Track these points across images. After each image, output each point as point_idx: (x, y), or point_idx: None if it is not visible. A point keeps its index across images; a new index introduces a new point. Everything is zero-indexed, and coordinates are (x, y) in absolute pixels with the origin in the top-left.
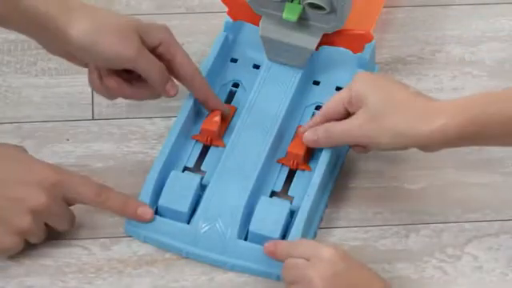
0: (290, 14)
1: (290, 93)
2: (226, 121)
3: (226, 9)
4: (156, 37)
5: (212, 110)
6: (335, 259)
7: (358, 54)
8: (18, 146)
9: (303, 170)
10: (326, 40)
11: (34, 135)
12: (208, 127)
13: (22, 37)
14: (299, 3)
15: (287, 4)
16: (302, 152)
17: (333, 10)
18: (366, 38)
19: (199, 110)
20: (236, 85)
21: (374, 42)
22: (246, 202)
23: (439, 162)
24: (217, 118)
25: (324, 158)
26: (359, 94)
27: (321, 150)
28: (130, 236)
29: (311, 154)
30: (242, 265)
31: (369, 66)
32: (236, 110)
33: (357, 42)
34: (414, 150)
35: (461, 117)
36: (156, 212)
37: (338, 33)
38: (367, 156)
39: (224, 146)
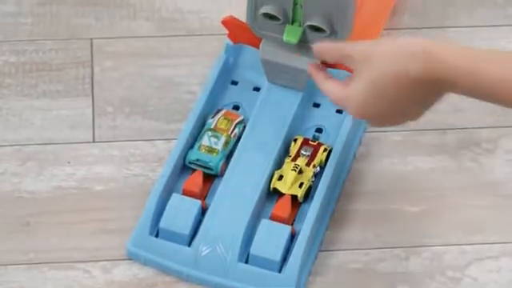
0: (291, 36)
1: (291, 115)
2: (210, 180)
3: (227, 31)
4: None
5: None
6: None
7: None
8: None
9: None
10: (327, 62)
11: (35, 158)
12: (190, 188)
13: (23, 59)
14: (300, 25)
15: (288, 26)
16: (286, 215)
17: (333, 33)
18: None
19: (199, 133)
20: (236, 107)
21: None
22: (247, 224)
23: (440, 183)
24: (198, 179)
25: (324, 182)
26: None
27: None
28: (131, 259)
29: (297, 212)
30: None
31: None
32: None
33: None
34: (415, 171)
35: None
36: (157, 235)
37: None
38: (367, 178)
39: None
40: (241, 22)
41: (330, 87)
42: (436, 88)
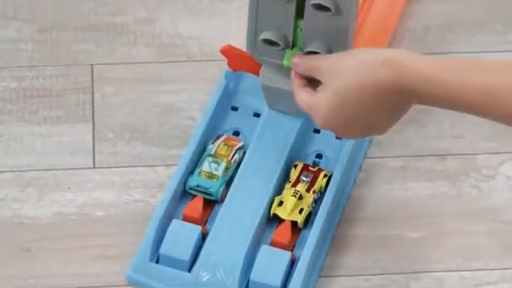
0: (291, 61)
1: (291, 141)
2: (210, 206)
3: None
4: None
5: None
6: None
7: None
8: None
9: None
10: None
11: (35, 183)
12: (190, 214)
13: (24, 85)
14: (300, 50)
15: (287, 51)
16: (286, 241)
17: None
18: None
19: (199, 159)
20: (237, 133)
21: None
22: (247, 250)
23: (440, 209)
24: (199, 205)
25: (324, 208)
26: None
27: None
28: (131, 285)
29: (298, 237)
30: None
31: None
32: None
33: None
34: (415, 197)
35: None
36: (157, 260)
37: None
38: (367, 203)
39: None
40: (239, 50)
41: (301, 95)
42: (405, 98)
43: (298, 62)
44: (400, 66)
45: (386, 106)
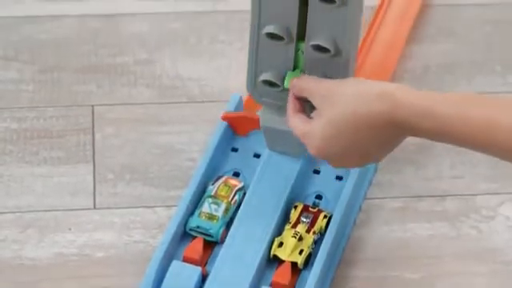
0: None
1: (291, 182)
2: (210, 247)
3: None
4: None
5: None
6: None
7: None
8: None
9: None
10: None
11: (36, 225)
12: (190, 255)
13: (25, 126)
14: (301, 71)
15: (289, 73)
16: (286, 282)
17: None
18: None
19: (200, 200)
20: (237, 174)
21: None
22: None
23: (439, 250)
24: (199, 246)
25: (324, 249)
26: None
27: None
28: None
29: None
30: None
31: None
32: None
33: None
34: (414, 238)
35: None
36: None
37: None
38: (367, 245)
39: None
40: (236, 113)
41: (295, 122)
42: (399, 130)
43: (294, 83)
44: (394, 99)
45: (381, 137)
